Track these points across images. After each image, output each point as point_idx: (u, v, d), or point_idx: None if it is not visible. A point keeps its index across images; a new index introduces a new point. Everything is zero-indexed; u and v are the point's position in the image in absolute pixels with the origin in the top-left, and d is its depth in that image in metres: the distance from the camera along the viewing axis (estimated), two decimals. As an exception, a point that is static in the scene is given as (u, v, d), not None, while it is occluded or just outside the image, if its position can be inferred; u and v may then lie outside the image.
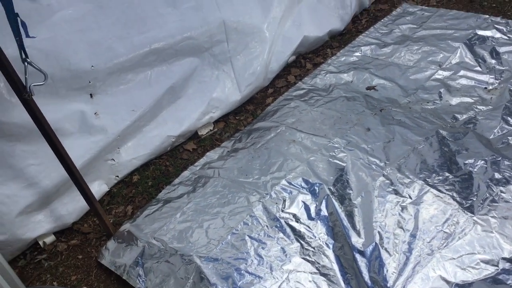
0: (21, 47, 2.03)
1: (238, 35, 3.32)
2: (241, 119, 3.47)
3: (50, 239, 2.79)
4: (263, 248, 2.34)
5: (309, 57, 4.00)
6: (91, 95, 2.76)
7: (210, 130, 3.40)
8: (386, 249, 2.23)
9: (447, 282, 2.09)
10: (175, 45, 3.02)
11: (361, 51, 3.88)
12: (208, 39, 3.18)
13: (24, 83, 2.03)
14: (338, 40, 4.16)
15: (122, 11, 2.81)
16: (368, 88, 3.42)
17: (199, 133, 3.36)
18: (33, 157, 2.54)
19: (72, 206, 2.80)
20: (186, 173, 3.04)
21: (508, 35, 3.60)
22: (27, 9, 2.40)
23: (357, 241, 2.29)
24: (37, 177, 2.58)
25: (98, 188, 2.94)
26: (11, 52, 2.02)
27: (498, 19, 3.81)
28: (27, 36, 2.05)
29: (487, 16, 3.88)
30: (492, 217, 2.27)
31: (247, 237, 2.39)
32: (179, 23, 3.04)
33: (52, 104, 2.59)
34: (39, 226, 2.69)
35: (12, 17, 1.94)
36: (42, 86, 2.35)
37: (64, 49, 2.57)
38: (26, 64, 2.05)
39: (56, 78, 2.56)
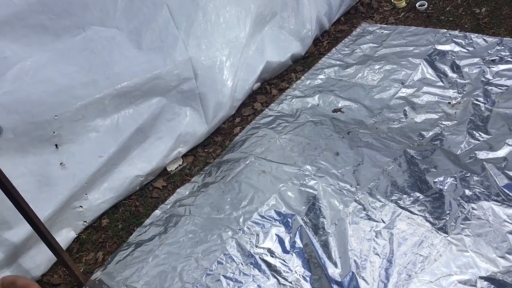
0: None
1: (205, 70, 3.29)
2: (210, 151, 3.42)
3: (18, 294, 2.67)
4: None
5: (274, 83, 4.00)
6: (56, 145, 2.68)
7: (179, 165, 3.34)
8: (363, 278, 2.19)
9: (427, 307, 2.06)
10: (141, 86, 2.97)
11: (325, 73, 3.90)
12: (176, 77, 3.15)
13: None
14: (302, 63, 4.18)
15: (85, 57, 2.75)
16: (335, 111, 3.42)
17: (168, 169, 3.30)
18: (-1, 217, 2.45)
19: (40, 258, 2.70)
20: (157, 213, 2.96)
21: (467, 48, 3.67)
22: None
23: (334, 271, 2.25)
24: (4, 235, 2.47)
25: (65, 236, 2.85)
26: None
27: (456, 32, 3.88)
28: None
29: (445, 30, 3.96)
30: (466, 235, 2.26)
31: (222, 277, 2.32)
32: (145, 64, 3.00)
33: (16, 159, 2.51)
34: (6, 283, 2.57)
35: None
36: (3, 141, 2.28)
37: (25, 101, 2.50)
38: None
39: (18, 132, 2.48)
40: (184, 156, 3.40)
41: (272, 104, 3.71)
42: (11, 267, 2.59)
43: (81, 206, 2.86)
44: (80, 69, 2.73)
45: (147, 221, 2.92)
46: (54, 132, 2.63)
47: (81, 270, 2.64)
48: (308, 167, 2.84)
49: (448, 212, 2.39)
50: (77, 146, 2.78)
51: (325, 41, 4.43)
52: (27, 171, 2.58)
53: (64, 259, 2.46)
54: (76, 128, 2.73)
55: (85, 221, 2.93)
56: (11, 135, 2.45)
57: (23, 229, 2.51)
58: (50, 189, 2.67)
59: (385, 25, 4.40)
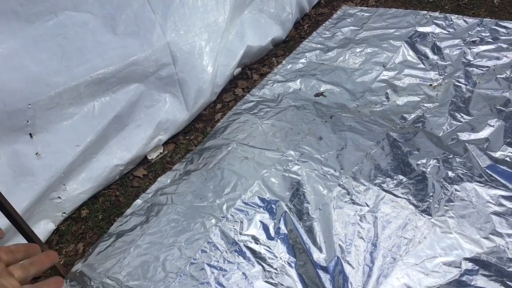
0: None
1: (184, 55, 3.21)
2: (191, 139, 3.36)
3: (-3, 289, 2.59)
4: (223, 276, 2.24)
5: (255, 68, 3.94)
6: (30, 135, 2.59)
7: (160, 153, 3.27)
8: (348, 262, 2.18)
9: (412, 289, 2.06)
10: (118, 73, 2.88)
11: (306, 57, 3.86)
12: (154, 63, 3.06)
13: None
14: (283, 48, 4.13)
15: (57, 43, 2.64)
16: (317, 95, 3.39)
17: (149, 158, 3.23)
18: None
19: (18, 251, 2.62)
20: (138, 202, 2.90)
21: (448, 29, 3.66)
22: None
23: (319, 256, 2.23)
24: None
25: (44, 228, 2.76)
26: None
27: (437, 14, 3.87)
28: None
29: (426, 12, 3.95)
30: (449, 217, 2.26)
31: (206, 266, 2.29)
32: (120, 50, 2.90)
33: (-12, 149, 2.42)
34: (-17, 278, 2.50)
35: None
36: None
37: (-3, 90, 2.39)
38: None
39: (-10, 122, 2.38)
40: (165, 143, 3.34)
41: (253, 89, 3.66)
42: (-12, 261, 2.51)
43: (59, 197, 2.78)
44: (53, 56, 2.63)
45: (128, 211, 2.86)
46: (27, 121, 2.54)
47: (61, 262, 2.58)
48: (291, 152, 2.80)
49: (431, 194, 2.38)
50: (53, 135, 2.69)
51: (305, 24, 4.38)
52: (1, 161, 2.49)
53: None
54: (50, 116, 2.64)
55: (64, 212, 2.86)
56: (-17, 125, 2.36)
57: (0, 221, 2.43)
58: (26, 180, 2.58)
59: (365, 8, 4.37)
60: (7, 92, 2.43)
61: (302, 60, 3.84)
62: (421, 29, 3.73)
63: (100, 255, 2.54)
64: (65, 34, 2.65)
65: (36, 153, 2.60)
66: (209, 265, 2.29)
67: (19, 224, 2.23)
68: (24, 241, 2.34)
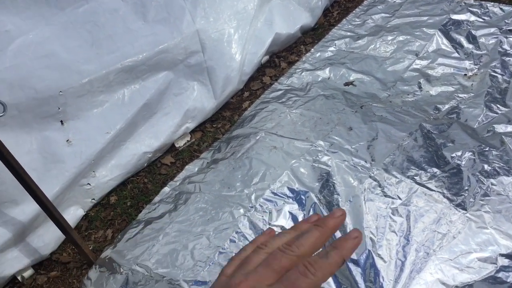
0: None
1: (213, 43, 3.18)
2: (218, 127, 3.35)
3: (28, 272, 2.64)
4: (252, 266, 2.23)
5: (283, 56, 3.89)
6: (61, 122, 2.61)
7: (187, 141, 3.27)
8: (380, 256, 2.14)
9: (446, 285, 2.01)
10: (148, 61, 2.87)
11: (335, 45, 3.78)
12: (183, 51, 3.04)
13: (-19, 117, 1.88)
14: (311, 35, 4.06)
15: (88, 30, 2.64)
16: (346, 84, 3.32)
17: (176, 145, 3.23)
18: (5, 195, 2.38)
19: (49, 237, 2.66)
20: (166, 190, 2.91)
21: (483, 17, 3.54)
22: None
23: (350, 249, 2.19)
24: (11, 214, 2.42)
25: (74, 214, 2.80)
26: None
27: (472, 1, 3.74)
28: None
29: (460, -1, 3.82)
30: (485, 212, 2.19)
31: (235, 256, 2.28)
32: (151, 37, 2.89)
33: (21, 135, 2.44)
34: (16, 262, 2.55)
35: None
36: (7, 118, 2.21)
37: (28, 77, 2.41)
38: (-20, 96, 1.91)
39: (22, 109, 2.40)
40: (192, 131, 3.33)
41: (281, 78, 3.61)
42: (18, 246, 2.55)
43: (88, 184, 2.81)
44: (83, 43, 2.63)
45: (156, 198, 2.87)
46: (59, 108, 2.56)
47: (90, 248, 2.60)
48: (321, 142, 2.76)
49: (466, 188, 2.32)
50: (83, 122, 2.70)
51: (335, 11, 4.29)
52: (32, 148, 2.52)
53: (73, 237, 2.42)
54: (81, 104, 2.66)
55: (93, 199, 2.89)
56: (15, 111, 2.38)
57: (30, 207, 2.46)
58: (57, 167, 2.61)
59: (397, -6, 4.25)
60: (38, 79, 2.45)
61: (331, 48, 3.77)
62: (455, 16, 3.61)
63: (129, 242, 2.55)
64: (96, 21, 2.65)
65: (67, 140, 2.63)
66: (238, 255, 2.28)
67: (49, 210, 2.26)
68: (55, 227, 2.37)
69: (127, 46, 2.77)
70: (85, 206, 2.88)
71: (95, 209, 2.93)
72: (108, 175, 2.88)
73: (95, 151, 2.72)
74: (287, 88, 3.47)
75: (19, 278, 2.61)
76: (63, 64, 2.53)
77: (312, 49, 3.83)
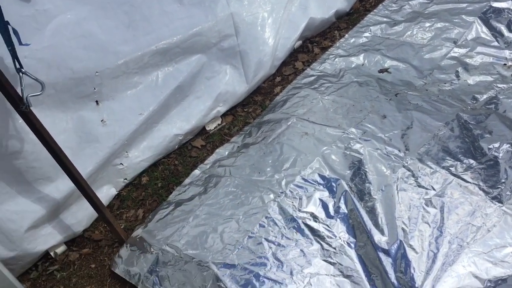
0: (14, 56, 1.92)
1: (246, 26, 3.17)
2: (250, 111, 3.34)
3: (61, 249, 2.72)
4: (281, 252, 2.23)
5: (316, 41, 3.84)
6: (97, 102, 2.64)
7: (218, 125, 3.27)
8: (411, 247, 2.11)
9: (479, 279, 1.98)
10: (182, 43, 2.88)
11: (370, 31, 3.71)
12: (217, 34, 3.03)
13: (21, 95, 1.92)
14: (346, 21, 3.98)
15: (124, 12, 2.65)
16: (381, 71, 3.26)
17: (207, 128, 3.24)
18: (40, 172, 2.44)
19: (81, 214, 2.72)
20: (196, 172, 2.93)
21: (526, 5, 3.41)
22: (23, 16, 2.24)
23: (381, 239, 2.17)
24: (45, 190, 2.48)
25: (106, 193, 2.86)
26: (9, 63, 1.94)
27: (514, -12, 3.61)
28: (20, 44, 1.94)
29: (502, -15, 3.68)
30: (522, 206, 2.14)
31: (264, 240, 2.28)
32: (185, 20, 2.89)
33: (57, 114, 2.49)
34: (50, 238, 2.62)
35: (3, 25, 1.82)
36: (44, 97, 2.24)
37: (65, 56, 2.43)
38: (21, 74, 1.94)
39: (59, 88, 2.44)
40: (223, 115, 3.33)
41: (314, 64, 3.57)
42: (52, 222, 2.62)
43: (121, 164, 2.85)
44: (120, 24, 2.64)
45: (187, 181, 2.90)
46: (94, 89, 2.59)
47: (122, 227, 2.65)
48: (353, 130, 2.72)
49: (503, 180, 2.26)
50: (117, 103, 2.73)
51: (371, -4, 4.20)
52: (68, 127, 2.56)
53: (106, 216, 2.47)
54: (116, 85, 2.68)
55: (126, 179, 2.93)
56: (52, 90, 2.42)
57: (65, 184, 2.51)
58: (91, 146, 2.65)
59: (436, -20, 4.13)
60: (75, 59, 2.48)
61: (366, 34, 3.69)
62: (496, 4, 3.48)
63: (159, 222, 2.59)
64: (132, 2, 2.66)
65: (102, 120, 2.66)
66: (267, 240, 2.29)
67: (83, 188, 2.30)
68: (88, 205, 2.41)
69: (162, 28, 2.77)
70: (118, 186, 2.93)
71: (127, 189, 2.97)
72: (140, 156, 2.92)
73: (128, 132, 2.75)
74: (319, 74, 3.43)
75: (52, 254, 2.68)
76: (99, 45, 2.55)
77: (346, 35, 3.77)
